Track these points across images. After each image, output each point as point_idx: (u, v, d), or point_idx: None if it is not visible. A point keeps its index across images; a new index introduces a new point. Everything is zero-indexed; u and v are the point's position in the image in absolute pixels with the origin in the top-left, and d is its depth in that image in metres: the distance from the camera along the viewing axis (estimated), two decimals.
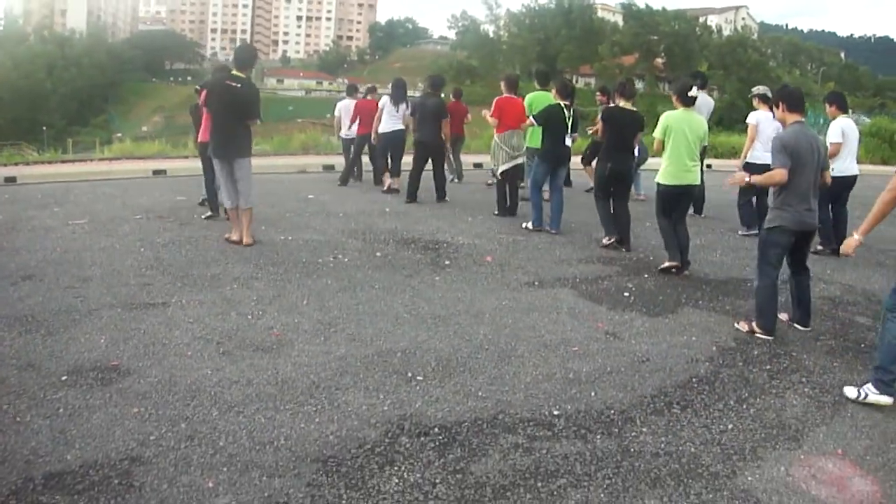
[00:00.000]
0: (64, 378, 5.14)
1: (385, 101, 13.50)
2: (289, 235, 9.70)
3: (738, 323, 6.93)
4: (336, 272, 8.09)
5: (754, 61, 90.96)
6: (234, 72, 8.96)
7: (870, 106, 74.34)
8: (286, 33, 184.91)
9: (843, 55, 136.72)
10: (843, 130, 9.82)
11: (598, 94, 12.07)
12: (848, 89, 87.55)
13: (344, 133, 15.15)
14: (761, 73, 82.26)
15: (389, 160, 13.94)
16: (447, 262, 8.68)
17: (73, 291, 7.10)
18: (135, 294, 7.06)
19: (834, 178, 9.72)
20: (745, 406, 5.20)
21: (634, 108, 9.65)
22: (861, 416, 5.13)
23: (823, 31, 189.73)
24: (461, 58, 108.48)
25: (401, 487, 3.94)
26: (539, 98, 11.66)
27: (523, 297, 7.49)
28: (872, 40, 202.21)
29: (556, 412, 4.92)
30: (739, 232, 11.18)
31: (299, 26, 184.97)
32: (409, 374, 5.42)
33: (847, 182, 9.94)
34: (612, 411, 4.98)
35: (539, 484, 4.04)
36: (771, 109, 10.48)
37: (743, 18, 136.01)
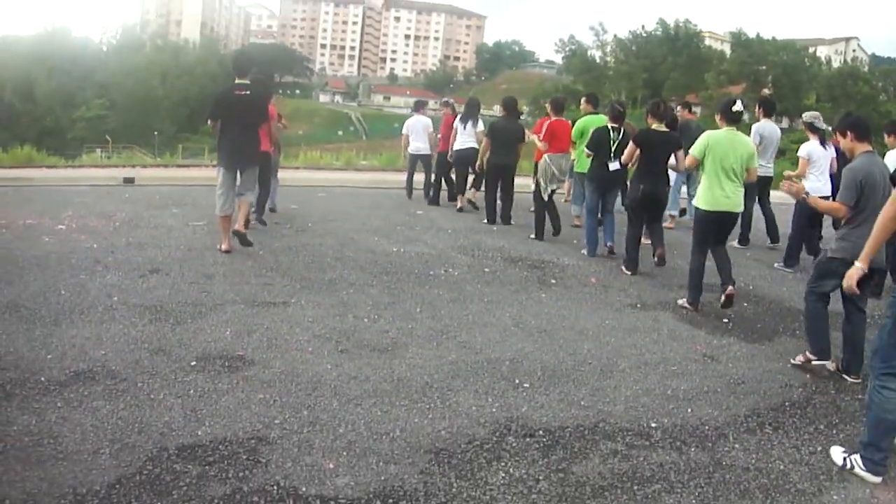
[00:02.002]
0: (193, 363, 5.56)
1: (458, 120, 13.54)
2: (401, 247, 10.03)
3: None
4: (447, 284, 8.39)
5: (864, 94, 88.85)
6: (238, 80, 9.02)
7: None
8: (394, 51, 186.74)
9: None
10: None
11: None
12: None
13: (411, 149, 14.83)
14: (870, 107, 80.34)
15: (455, 177, 14.10)
16: (553, 281, 8.92)
17: (198, 286, 7.53)
18: (256, 292, 7.46)
19: None
20: (835, 431, 5.32)
21: (667, 130, 9.48)
22: None
23: None
24: (567, 82, 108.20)
25: (507, 481, 4.23)
26: (590, 122, 11.55)
27: (625, 318, 7.69)
28: None
29: (653, 424, 5.14)
30: (776, 265, 10.66)
31: (407, 45, 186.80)
32: (517, 381, 5.70)
33: None
34: (707, 427, 5.18)
35: (635, 487, 4.28)
36: (821, 140, 10.26)
37: (854, 50, 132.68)
